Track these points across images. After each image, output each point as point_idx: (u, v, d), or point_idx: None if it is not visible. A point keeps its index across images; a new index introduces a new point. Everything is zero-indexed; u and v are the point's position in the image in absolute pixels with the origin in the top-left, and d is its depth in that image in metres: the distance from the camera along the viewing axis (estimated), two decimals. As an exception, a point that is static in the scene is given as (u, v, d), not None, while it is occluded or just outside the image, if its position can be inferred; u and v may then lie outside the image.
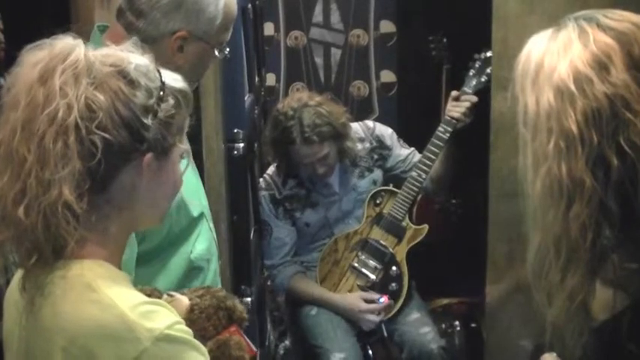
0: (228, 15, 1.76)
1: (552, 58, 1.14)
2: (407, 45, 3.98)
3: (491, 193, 2.61)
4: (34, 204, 1.09)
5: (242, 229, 2.54)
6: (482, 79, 2.85)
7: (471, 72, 2.89)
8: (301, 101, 2.90)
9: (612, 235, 1.11)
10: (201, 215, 1.85)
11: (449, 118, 2.86)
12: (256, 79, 2.97)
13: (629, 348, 1.12)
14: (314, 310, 3.01)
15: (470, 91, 2.85)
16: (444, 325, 3.37)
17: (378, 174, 3.10)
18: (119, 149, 1.12)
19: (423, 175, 2.90)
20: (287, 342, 3.39)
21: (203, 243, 1.85)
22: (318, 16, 4.09)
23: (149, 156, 1.16)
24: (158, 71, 1.20)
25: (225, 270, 2.28)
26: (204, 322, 1.36)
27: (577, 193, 1.10)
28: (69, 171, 1.08)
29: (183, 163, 1.28)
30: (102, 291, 1.11)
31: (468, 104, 2.84)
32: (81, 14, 2.24)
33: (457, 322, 3.42)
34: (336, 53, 4.13)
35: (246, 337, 1.41)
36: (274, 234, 3.04)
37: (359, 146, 3.04)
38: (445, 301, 3.62)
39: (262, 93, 3.27)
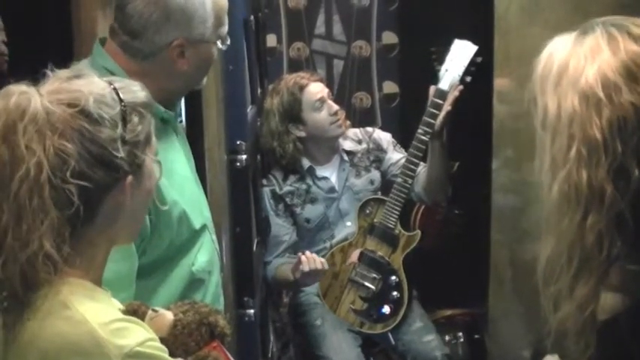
0: (219, 12, 1.75)
1: (578, 62, 1.12)
2: (409, 56, 3.98)
3: (493, 204, 2.61)
4: (11, 260, 1.10)
5: (245, 241, 2.54)
6: (457, 75, 2.74)
7: (444, 69, 2.79)
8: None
9: (624, 247, 1.10)
10: (204, 227, 1.85)
11: (427, 119, 2.77)
12: (259, 90, 2.98)
13: (632, 349, 1.10)
14: (319, 321, 3.00)
15: (446, 89, 2.75)
16: (447, 337, 3.35)
17: (375, 174, 3.11)
18: (97, 187, 1.14)
19: (409, 181, 2.85)
20: (290, 354, 3.39)
21: (205, 255, 1.84)
22: (320, 27, 4.10)
23: (129, 179, 1.18)
24: (115, 91, 1.19)
25: (227, 282, 2.27)
26: (186, 337, 1.36)
27: (595, 201, 1.08)
28: (48, 224, 1.09)
29: (157, 170, 1.28)
30: (75, 308, 1.13)
31: (444, 112, 2.74)
32: (83, 27, 2.24)
33: (461, 334, 3.41)
34: (338, 64, 4.13)
35: (227, 353, 1.41)
36: (272, 231, 3.04)
37: (356, 147, 3.11)
38: (449, 312, 3.61)
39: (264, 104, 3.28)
